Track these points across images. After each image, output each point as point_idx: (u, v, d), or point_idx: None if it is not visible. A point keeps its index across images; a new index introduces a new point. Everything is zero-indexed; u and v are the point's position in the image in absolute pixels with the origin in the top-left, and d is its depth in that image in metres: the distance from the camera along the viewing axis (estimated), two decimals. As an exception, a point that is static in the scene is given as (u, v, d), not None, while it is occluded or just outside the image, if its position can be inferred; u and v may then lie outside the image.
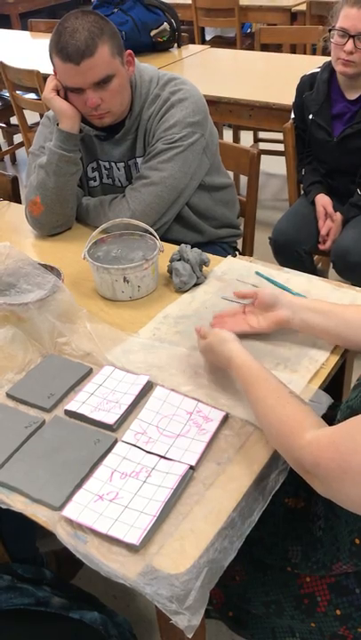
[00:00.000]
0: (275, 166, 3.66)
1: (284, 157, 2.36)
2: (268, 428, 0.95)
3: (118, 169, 1.67)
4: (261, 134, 3.82)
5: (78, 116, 1.55)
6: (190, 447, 1.01)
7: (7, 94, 3.36)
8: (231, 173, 1.91)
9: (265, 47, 3.80)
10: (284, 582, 1.06)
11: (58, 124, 1.56)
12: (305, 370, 1.15)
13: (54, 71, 1.51)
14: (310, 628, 1.03)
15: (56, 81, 1.53)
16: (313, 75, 2.19)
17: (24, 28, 4.87)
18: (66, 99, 1.54)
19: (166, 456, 1.00)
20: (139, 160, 1.64)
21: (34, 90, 3.21)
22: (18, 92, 3.23)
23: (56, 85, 1.53)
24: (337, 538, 0.98)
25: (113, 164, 1.67)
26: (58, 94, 1.54)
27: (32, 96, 3.38)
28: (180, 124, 1.56)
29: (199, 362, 1.18)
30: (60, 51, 1.43)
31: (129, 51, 1.53)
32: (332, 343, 1.19)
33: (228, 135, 3.85)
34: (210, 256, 1.46)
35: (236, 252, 1.89)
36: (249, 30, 5.01)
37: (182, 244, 1.44)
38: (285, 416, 0.91)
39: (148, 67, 1.64)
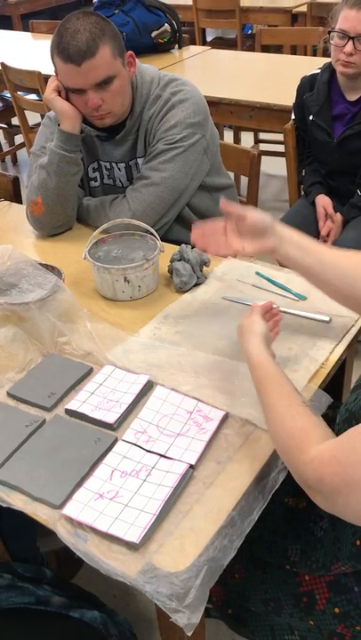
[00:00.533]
0: (275, 167, 3.67)
1: (284, 158, 2.37)
2: (276, 438, 0.94)
3: (119, 169, 1.68)
4: (262, 135, 3.82)
5: (79, 116, 1.55)
6: (190, 446, 1.01)
7: (8, 95, 3.37)
8: (232, 174, 1.92)
9: (266, 48, 3.81)
10: (284, 580, 1.07)
11: (59, 125, 1.57)
12: (305, 370, 1.16)
13: (55, 72, 1.52)
14: (309, 626, 1.04)
15: (57, 81, 1.53)
16: (313, 76, 2.19)
17: (25, 29, 4.88)
18: (67, 99, 1.54)
19: (166, 455, 1.00)
20: (139, 160, 1.65)
21: (35, 91, 3.22)
22: (19, 92, 3.24)
23: (57, 86, 1.54)
24: (339, 538, 0.98)
25: (114, 164, 1.68)
26: (59, 95, 1.54)
27: (33, 97, 3.39)
28: (180, 125, 1.56)
29: (199, 362, 1.18)
30: (62, 51, 1.43)
31: (130, 52, 1.54)
32: (317, 287, 1.12)
33: (228, 136, 3.86)
34: (210, 256, 1.46)
35: (237, 253, 1.89)
36: (250, 31, 5.02)
37: (183, 245, 1.45)
38: (293, 428, 0.89)
39: (148, 67, 1.65)
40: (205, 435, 1.03)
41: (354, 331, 1.25)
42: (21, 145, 3.99)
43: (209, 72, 3.24)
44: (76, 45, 1.41)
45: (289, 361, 1.18)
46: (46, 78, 1.59)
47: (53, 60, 1.48)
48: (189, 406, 1.09)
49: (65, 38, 1.42)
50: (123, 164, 1.67)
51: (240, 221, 1.15)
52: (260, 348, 1.04)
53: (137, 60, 1.60)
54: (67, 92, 1.54)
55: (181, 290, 1.42)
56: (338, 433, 0.93)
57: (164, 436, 1.04)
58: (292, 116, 2.30)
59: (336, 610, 1.01)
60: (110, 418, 1.08)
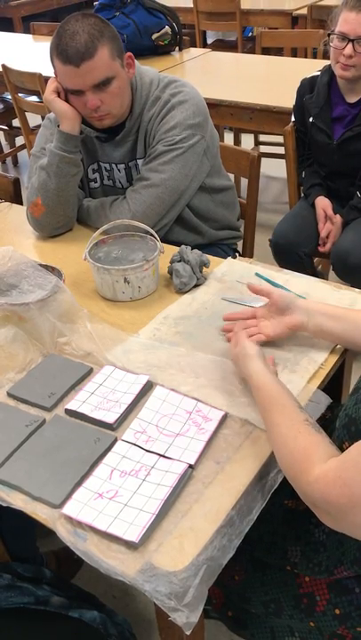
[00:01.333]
0: (275, 169, 3.67)
1: (284, 160, 2.37)
2: (279, 458, 0.94)
3: (119, 170, 1.68)
4: (262, 137, 3.83)
5: (79, 117, 1.56)
6: (190, 446, 1.01)
7: (9, 97, 3.37)
8: (232, 176, 1.92)
9: (266, 51, 3.82)
10: (284, 582, 1.07)
11: (58, 126, 1.57)
12: (304, 370, 1.16)
13: (55, 73, 1.52)
14: (309, 627, 1.04)
15: (57, 83, 1.54)
16: (313, 78, 2.20)
17: (26, 31, 4.89)
18: (66, 100, 1.55)
19: (166, 455, 1.01)
20: (139, 162, 1.65)
21: (36, 92, 3.23)
22: (20, 94, 3.25)
23: (57, 87, 1.54)
24: (342, 543, 0.98)
25: (114, 165, 1.68)
26: (58, 96, 1.55)
27: (34, 99, 3.40)
28: (180, 126, 1.57)
29: (199, 362, 1.18)
30: (61, 53, 1.44)
31: (129, 53, 1.54)
32: (346, 347, 1.18)
33: (228, 138, 3.86)
34: (210, 257, 1.47)
35: (237, 254, 1.90)
36: (250, 34, 5.03)
37: (183, 246, 1.45)
38: (295, 449, 0.89)
39: (148, 69, 1.65)
40: (205, 435, 1.03)
41: (353, 331, 1.25)
42: (22, 146, 4.00)
43: (209, 74, 3.25)
44: (74, 47, 1.42)
45: (288, 361, 1.18)
46: (47, 80, 1.59)
47: (53, 61, 1.48)
48: (189, 406, 1.09)
49: (64, 40, 1.43)
50: (122, 165, 1.67)
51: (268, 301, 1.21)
52: (260, 369, 1.05)
53: (137, 61, 1.60)
54: (66, 94, 1.54)
55: (181, 291, 1.42)
56: (337, 438, 0.93)
57: (163, 436, 1.04)
58: (292, 118, 2.30)
59: (337, 611, 1.01)
60: (110, 418, 1.08)
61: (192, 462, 0.98)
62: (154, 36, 3.36)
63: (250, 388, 1.07)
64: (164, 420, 1.07)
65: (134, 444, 1.03)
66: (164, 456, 1.00)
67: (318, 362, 1.18)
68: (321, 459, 0.85)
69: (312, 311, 1.15)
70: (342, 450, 0.90)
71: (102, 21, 1.47)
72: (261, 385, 1.02)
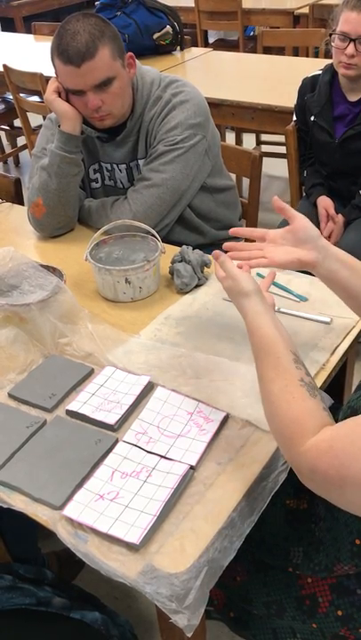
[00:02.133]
0: (277, 168, 3.67)
1: (286, 159, 2.37)
2: (269, 419, 0.90)
3: (120, 170, 1.68)
4: (263, 137, 3.82)
5: (80, 117, 1.56)
6: (191, 447, 1.01)
7: (11, 97, 3.37)
8: (233, 175, 1.92)
9: (267, 50, 3.81)
10: (286, 583, 1.06)
11: (59, 126, 1.57)
12: (306, 371, 1.15)
13: (56, 73, 1.52)
14: (311, 629, 1.03)
15: (57, 83, 1.54)
16: (315, 77, 2.19)
17: (28, 31, 4.89)
18: (67, 100, 1.55)
19: (167, 456, 1.00)
20: (140, 162, 1.65)
21: (37, 93, 3.23)
22: (21, 94, 3.25)
23: (57, 87, 1.54)
24: (337, 539, 0.98)
25: (115, 165, 1.68)
26: (59, 96, 1.55)
27: (35, 99, 3.39)
28: (181, 126, 1.56)
29: (200, 363, 1.18)
30: (61, 53, 1.44)
31: (130, 53, 1.54)
32: (348, 302, 1.08)
33: (230, 138, 3.86)
34: (211, 258, 1.46)
35: (238, 254, 1.89)
36: (252, 33, 5.02)
37: (184, 246, 1.45)
38: (286, 417, 0.85)
39: (149, 69, 1.65)
40: (206, 436, 1.03)
41: (355, 332, 1.25)
42: (23, 147, 4.00)
43: (211, 74, 3.24)
44: (75, 47, 1.41)
45: (290, 362, 1.17)
46: (48, 80, 1.59)
47: (53, 61, 1.48)
48: (190, 407, 1.09)
49: (64, 40, 1.42)
50: (124, 166, 1.67)
51: (287, 225, 1.09)
52: (255, 309, 0.97)
53: (138, 61, 1.60)
54: (67, 93, 1.54)
55: (182, 291, 1.42)
56: None
57: (164, 437, 1.04)
58: (294, 118, 2.30)
59: (339, 612, 1.00)
60: (111, 419, 1.08)
61: (193, 463, 0.98)
62: (155, 36, 3.35)
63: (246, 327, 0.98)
64: (165, 422, 1.07)
65: (135, 446, 1.02)
66: (165, 457, 1.00)
67: (320, 362, 1.17)
68: (314, 428, 0.82)
69: (330, 254, 1.04)
70: None
71: (103, 21, 1.47)
72: (256, 328, 0.95)
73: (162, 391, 1.13)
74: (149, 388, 1.15)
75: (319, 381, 1.14)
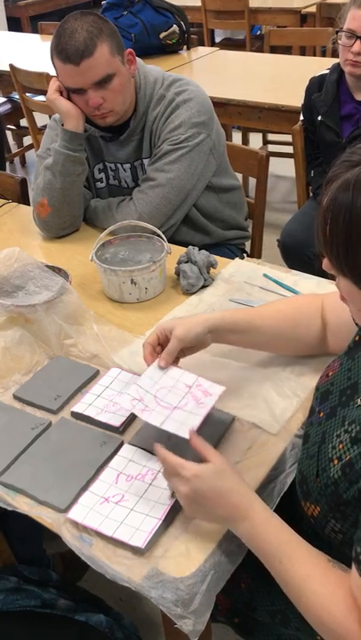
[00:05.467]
0: (284, 168, 3.65)
1: (293, 159, 2.35)
2: (317, 623, 0.81)
3: (124, 170, 1.67)
4: (270, 136, 3.81)
5: (82, 115, 1.55)
6: (186, 420, 0.98)
7: (17, 97, 3.37)
8: (240, 175, 1.91)
9: (274, 49, 3.79)
10: None
11: (63, 125, 1.57)
12: (313, 371, 1.14)
13: (56, 73, 1.52)
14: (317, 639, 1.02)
15: (59, 82, 1.54)
16: (322, 76, 2.18)
17: (34, 30, 4.90)
18: (69, 99, 1.54)
19: (161, 427, 0.96)
20: (145, 161, 1.64)
21: (43, 92, 3.22)
22: (27, 94, 3.25)
23: (59, 87, 1.54)
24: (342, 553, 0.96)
25: (119, 165, 1.67)
26: (61, 95, 1.55)
27: (41, 98, 3.39)
28: (185, 125, 1.56)
29: (205, 364, 1.17)
30: (60, 52, 1.44)
31: (129, 49, 1.53)
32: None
33: (237, 137, 3.85)
34: (217, 258, 1.46)
35: (244, 255, 1.89)
36: (258, 32, 5.01)
37: (190, 246, 1.44)
38: (343, 612, 0.77)
39: (153, 68, 1.64)
40: (203, 409, 0.99)
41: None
42: (30, 146, 4.00)
43: (217, 73, 3.23)
44: (73, 45, 1.41)
45: (296, 363, 1.16)
46: (54, 80, 1.59)
47: (53, 61, 1.48)
48: (189, 380, 1.05)
49: (63, 39, 1.42)
50: (128, 165, 1.66)
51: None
52: (251, 498, 0.85)
53: (142, 60, 1.60)
54: (68, 93, 1.54)
55: (188, 292, 1.41)
56: (299, 493, 0.91)
57: (160, 408, 1.00)
58: (301, 117, 2.28)
59: None
60: (116, 421, 1.07)
61: (187, 436, 0.91)
62: (162, 35, 3.35)
63: (243, 537, 0.85)
64: (162, 392, 1.03)
65: (142, 448, 1.01)
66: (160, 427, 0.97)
67: (325, 362, 1.16)
68: (350, 609, 0.76)
69: (217, 334, 1.08)
70: (306, 510, 0.89)
71: (101, 18, 1.47)
72: (262, 524, 0.83)
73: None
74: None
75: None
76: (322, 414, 0.91)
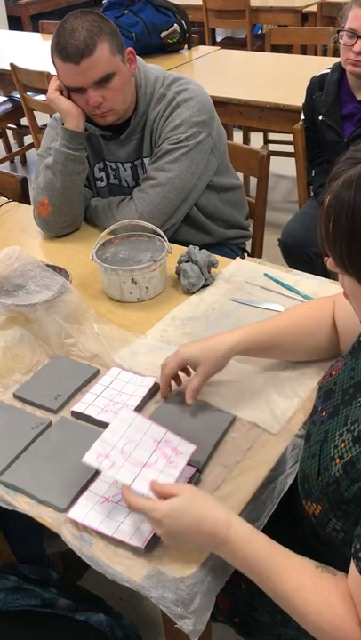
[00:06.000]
0: (285, 168, 3.65)
1: (293, 159, 2.35)
2: (316, 630, 0.80)
3: (125, 169, 1.67)
4: (271, 135, 3.81)
5: (83, 114, 1.55)
6: (158, 480, 0.89)
7: (18, 96, 3.37)
8: (241, 175, 1.90)
9: (275, 48, 3.79)
10: None
11: (63, 124, 1.57)
12: (315, 372, 1.14)
13: (56, 72, 1.52)
14: None
15: (59, 81, 1.54)
16: (323, 76, 2.18)
17: (35, 29, 4.89)
18: (70, 98, 1.54)
19: (132, 486, 0.88)
20: (145, 160, 1.64)
21: (44, 91, 3.21)
22: (28, 93, 3.25)
23: (59, 86, 1.54)
24: (344, 554, 0.96)
25: (119, 164, 1.67)
26: (61, 94, 1.55)
27: (42, 97, 3.39)
28: (186, 124, 1.56)
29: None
30: (60, 51, 1.43)
31: (130, 48, 1.53)
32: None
33: (237, 136, 3.84)
34: (218, 257, 1.46)
35: (245, 254, 1.89)
36: (260, 31, 5.00)
37: (190, 246, 1.44)
38: (337, 616, 0.77)
39: (153, 67, 1.64)
40: (175, 470, 0.92)
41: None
42: (30, 145, 3.99)
43: (218, 72, 3.23)
44: (74, 44, 1.41)
45: (299, 363, 1.16)
46: (55, 79, 1.58)
47: (53, 60, 1.48)
48: (157, 435, 0.97)
49: (63, 38, 1.42)
50: (128, 164, 1.66)
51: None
52: (239, 539, 0.82)
53: (142, 59, 1.59)
54: (68, 92, 1.54)
55: (189, 291, 1.41)
56: (300, 492, 0.91)
57: (128, 465, 0.91)
58: (302, 117, 2.28)
59: None
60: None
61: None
62: (163, 35, 3.34)
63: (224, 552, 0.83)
64: (129, 446, 0.94)
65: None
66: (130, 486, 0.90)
67: (329, 363, 1.16)
68: (351, 612, 0.77)
69: (238, 349, 1.07)
70: (307, 509, 0.89)
71: (101, 17, 1.46)
72: (243, 545, 0.81)
73: (127, 412, 1.00)
74: (155, 390, 1.14)
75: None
76: (324, 413, 0.91)
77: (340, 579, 0.80)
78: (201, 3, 4.31)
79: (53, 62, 1.49)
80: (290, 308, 1.15)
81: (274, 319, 1.12)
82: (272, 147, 3.70)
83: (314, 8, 4.04)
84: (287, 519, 1.07)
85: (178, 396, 1.11)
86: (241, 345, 1.06)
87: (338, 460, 0.83)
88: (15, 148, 4.26)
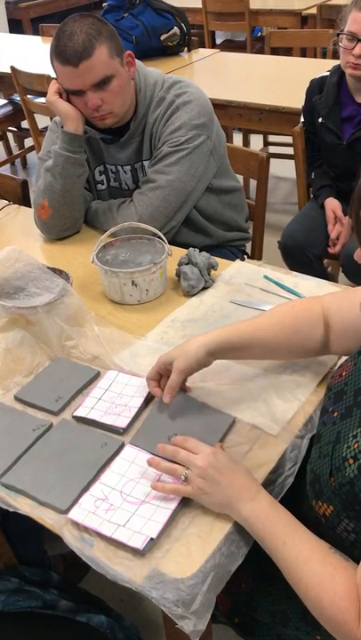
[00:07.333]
0: (284, 170, 3.66)
1: (293, 161, 2.36)
2: (316, 606, 0.82)
3: (125, 172, 1.68)
4: (271, 138, 3.82)
5: (82, 117, 1.56)
6: (153, 516, 0.91)
7: (18, 98, 3.38)
8: (241, 177, 1.91)
9: (275, 51, 3.80)
10: (290, 594, 1.05)
11: (62, 127, 1.57)
12: (313, 374, 1.15)
13: (56, 75, 1.53)
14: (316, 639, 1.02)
15: (58, 84, 1.54)
16: (323, 78, 2.18)
17: (35, 32, 4.90)
18: (69, 101, 1.55)
19: (125, 526, 0.89)
20: (145, 163, 1.65)
21: (44, 94, 3.21)
22: (29, 96, 3.25)
23: (58, 89, 1.55)
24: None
25: (120, 167, 1.68)
26: (61, 97, 1.55)
27: (42, 100, 3.39)
28: (185, 127, 1.56)
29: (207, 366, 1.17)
30: (59, 54, 1.44)
31: (128, 51, 1.54)
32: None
33: (237, 139, 3.85)
34: (218, 260, 1.46)
35: (245, 256, 1.89)
36: (259, 34, 5.01)
37: (191, 248, 1.44)
38: (338, 594, 0.79)
39: (152, 70, 1.65)
40: (171, 503, 0.92)
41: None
42: (31, 148, 4.00)
43: (218, 75, 3.24)
44: (72, 47, 1.42)
45: (297, 365, 1.17)
46: (56, 82, 1.59)
47: (52, 63, 1.49)
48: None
49: (62, 41, 1.43)
50: (128, 167, 1.67)
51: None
52: (265, 506, 0.88)
53: (141, 62, 1.60)
54: (68, 95, 1.54)
55: (189, 293, 1.41)
56: (310, 492, 0.91)
57: (126, 504, 0.93)
58: (302, 119, 2.29)
59: None
60: (121, 422, 1.07)
61: (154, 535, 0.87)
62: (162, 37, 3.35)
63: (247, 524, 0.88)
64: (129, 486, 0.96)
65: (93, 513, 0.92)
66: (123, 526, 0.90)
67: (328, 365, 1.17)
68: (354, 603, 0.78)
69: (218, 354, 1.08)
70: (317, 510, 0.89)
71: (100, 20, 1.47)
72: (269, 506, 0.88)
73: (130, 451, 1.02)
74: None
75: (326, 383, 1.13)
76: (336, 414, 0.91)
77: (349, 564, 0.82)
78: (201, 5, 4.33)
79: (52, 65, 1.49)
80: (274, 307, 1.14)
81: (255, 318, 1.12)
82: (272, 149, 3.71)
83: (313, 11, 4.05)
84: None
85: (178, 398, 1.11)
86: (216, 342, 1.06)
87: (352, 461, 0.83)
88: (16, 151, 4.27)
